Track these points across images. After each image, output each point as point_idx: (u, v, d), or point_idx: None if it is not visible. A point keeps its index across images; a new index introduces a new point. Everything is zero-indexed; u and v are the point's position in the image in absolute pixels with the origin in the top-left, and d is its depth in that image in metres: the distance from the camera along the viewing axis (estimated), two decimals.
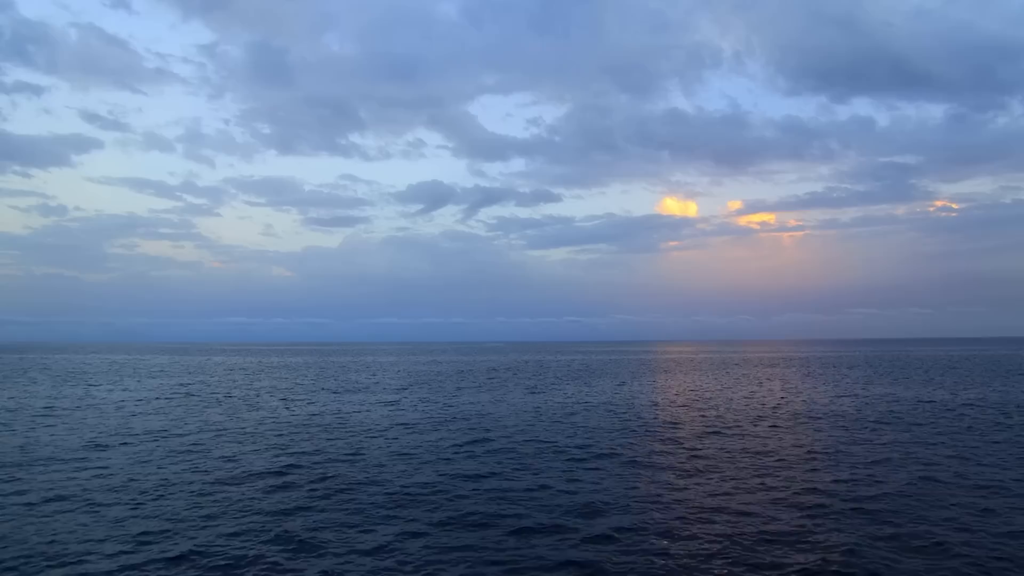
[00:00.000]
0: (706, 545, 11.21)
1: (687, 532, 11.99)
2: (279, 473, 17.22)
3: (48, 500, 14.33)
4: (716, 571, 10.07)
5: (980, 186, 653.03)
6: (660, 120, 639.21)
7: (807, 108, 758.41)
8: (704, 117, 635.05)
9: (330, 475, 16.95)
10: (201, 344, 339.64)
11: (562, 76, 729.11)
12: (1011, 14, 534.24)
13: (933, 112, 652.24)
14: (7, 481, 16.25)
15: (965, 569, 10.10)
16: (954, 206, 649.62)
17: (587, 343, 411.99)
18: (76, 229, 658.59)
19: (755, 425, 25.99)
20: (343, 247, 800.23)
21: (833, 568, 10.09)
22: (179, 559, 10.67)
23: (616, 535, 11.86)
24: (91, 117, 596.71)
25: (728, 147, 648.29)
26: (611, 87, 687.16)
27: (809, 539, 11.49)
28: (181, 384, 50.12)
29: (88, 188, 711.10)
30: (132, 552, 11.01)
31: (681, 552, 10.89)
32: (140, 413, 30.81)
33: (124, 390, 44.26)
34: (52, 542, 11.45)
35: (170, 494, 14.91)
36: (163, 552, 10.98)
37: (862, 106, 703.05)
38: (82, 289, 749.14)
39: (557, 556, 10.83)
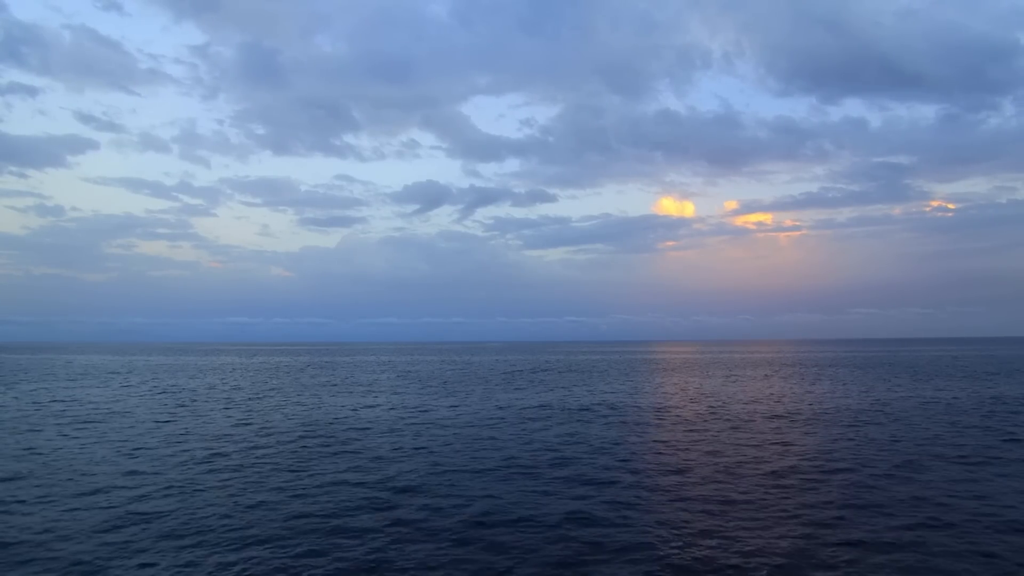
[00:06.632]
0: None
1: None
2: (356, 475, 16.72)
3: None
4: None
5: (975, 186, 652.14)
6: (653, 121, 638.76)
7: (799, 108, 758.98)
8: (696, 118, 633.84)
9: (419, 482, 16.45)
10: (204, 344, 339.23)
11: (554, 77, 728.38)
12: (999, 14, 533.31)
13: (925, 112, 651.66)
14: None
15: None
16: (950, 206, 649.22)
17: (589, 343, 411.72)
18: (73, 229, 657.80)
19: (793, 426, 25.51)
20: (340, 247, 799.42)
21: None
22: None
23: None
24: (86, 118, 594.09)
25: (721, 147, 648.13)
26: (603, 88, 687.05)
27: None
28: (214, 386, 49.58)
29: (85, 188, 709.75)
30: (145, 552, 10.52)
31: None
32: (171, 420, 30.33)
33: (162, 392, 43.76)
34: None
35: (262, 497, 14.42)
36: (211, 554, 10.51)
37: (854, 107, 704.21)
38: (80, 289, 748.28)
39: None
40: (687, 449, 19.92)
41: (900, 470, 16.69)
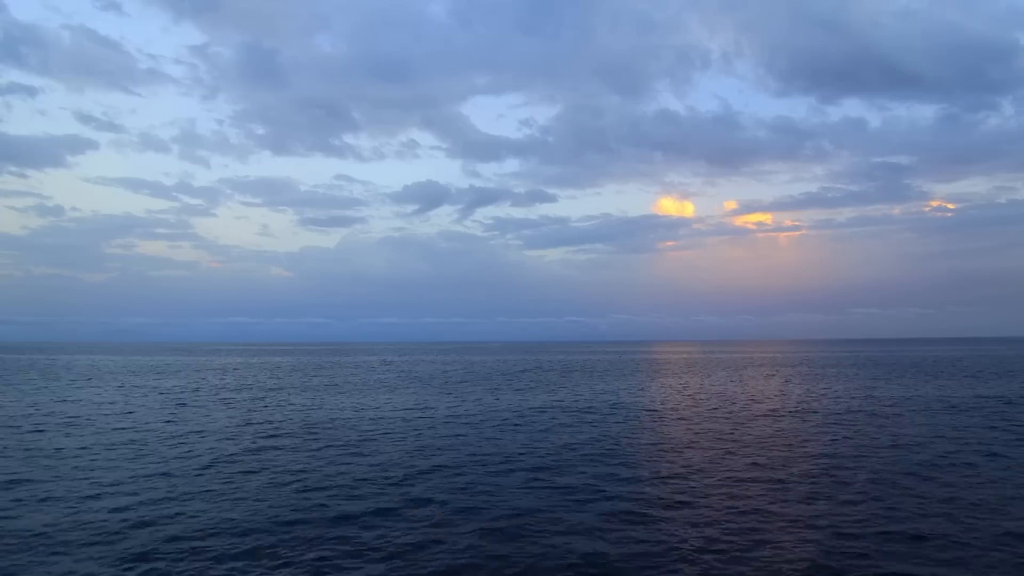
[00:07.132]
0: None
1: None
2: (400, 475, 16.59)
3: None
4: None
5: (974, 186, 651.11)
6: (652, 121, 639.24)
7: (798, 109, 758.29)
8: (696, 118, 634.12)
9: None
10: (204, 344, 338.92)
11: (553, 77, 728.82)
12: (998, 15, 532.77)
13: (924, 113, 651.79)
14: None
15: None
16: (949, 206, 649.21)
17: (589, 343, 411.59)
18: (73, 229, 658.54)
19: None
20: (340, 247, 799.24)
21: None
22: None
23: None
24: (85, 118, 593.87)
25: (721, 147, 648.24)
26: (602, 88, 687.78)
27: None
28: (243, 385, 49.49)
29: (84, 188, 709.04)
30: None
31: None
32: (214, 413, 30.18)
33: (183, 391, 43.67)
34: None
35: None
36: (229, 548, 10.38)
37: (853, 107, 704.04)
38: (80, 289, 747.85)
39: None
40: (694, 450, 19.80)
41: (909, 470, 16.56)
